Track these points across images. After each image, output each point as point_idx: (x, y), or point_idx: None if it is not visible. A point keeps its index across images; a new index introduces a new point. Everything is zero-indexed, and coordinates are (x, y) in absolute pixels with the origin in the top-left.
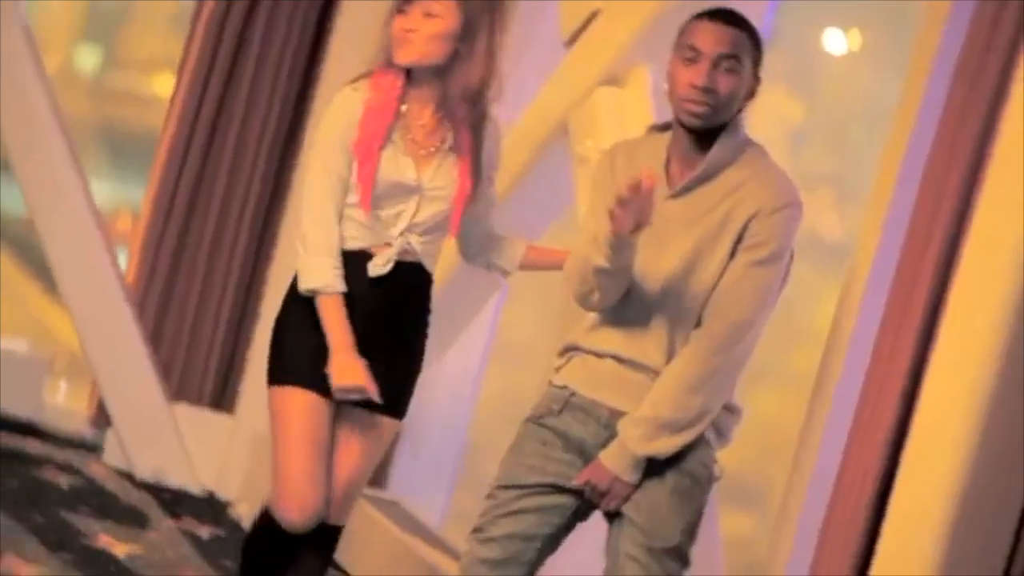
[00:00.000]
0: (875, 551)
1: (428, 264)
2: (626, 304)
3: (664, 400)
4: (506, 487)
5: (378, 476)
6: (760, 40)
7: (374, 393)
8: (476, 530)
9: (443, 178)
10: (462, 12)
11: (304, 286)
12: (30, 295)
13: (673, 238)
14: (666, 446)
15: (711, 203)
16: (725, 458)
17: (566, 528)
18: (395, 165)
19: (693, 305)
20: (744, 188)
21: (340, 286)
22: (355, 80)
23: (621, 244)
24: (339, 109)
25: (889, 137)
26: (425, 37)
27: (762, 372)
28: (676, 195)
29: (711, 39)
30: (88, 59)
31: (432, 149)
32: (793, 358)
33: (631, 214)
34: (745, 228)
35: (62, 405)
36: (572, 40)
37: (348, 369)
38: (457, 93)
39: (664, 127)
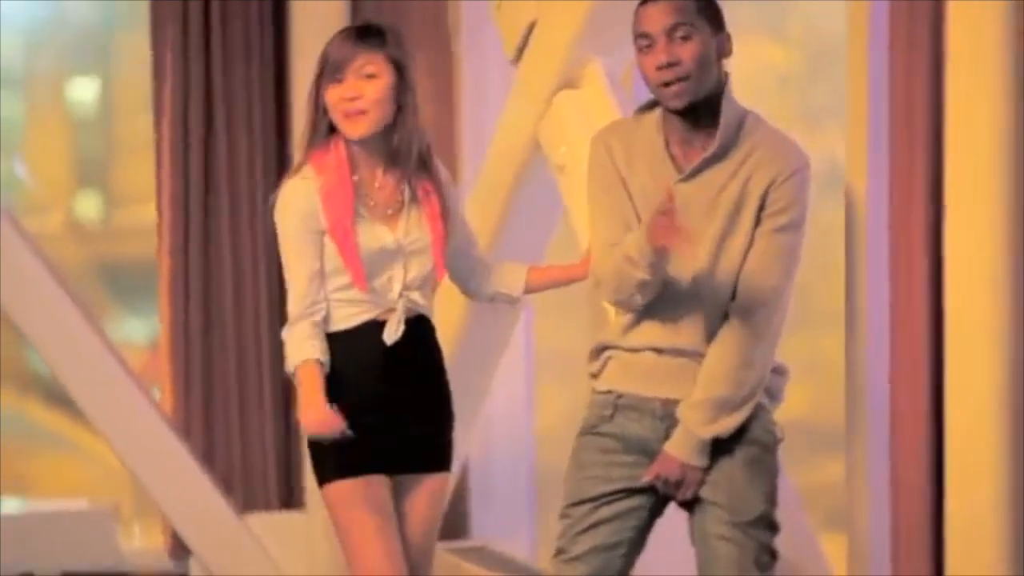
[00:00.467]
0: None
1: (428, 313)
2: (667, 303)
3: (717, 379)
4: (576, 504)
5: (458, 527)
6: None
7: (342, 428)
8: (558, 553)
9: (416, 231)
10: (394, 64)
11: (287, 370)
12: (76, 450)
13: (695, 223)
14: (729, 424)
15: (723, 180)
16: (802, 405)
17: (646, 529)
18: (371, 235)
19: (726, 284)
20: (753, 158)
21: (314, 354)
22: (296, 170)
23: (662, 256)
24: (293, 203)
25: (850, 56)
26: (373, 102)
27: (805, 316)
28: (687, 178)
29: (655, 18)
30: (89, 205)
31: (396, 207)
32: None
33: (672, 225)
34: (765, 197)
35: (139, 547)
36: (518, 56)
37: (318, 417)
38: (407, 147)
39: (650, 105)
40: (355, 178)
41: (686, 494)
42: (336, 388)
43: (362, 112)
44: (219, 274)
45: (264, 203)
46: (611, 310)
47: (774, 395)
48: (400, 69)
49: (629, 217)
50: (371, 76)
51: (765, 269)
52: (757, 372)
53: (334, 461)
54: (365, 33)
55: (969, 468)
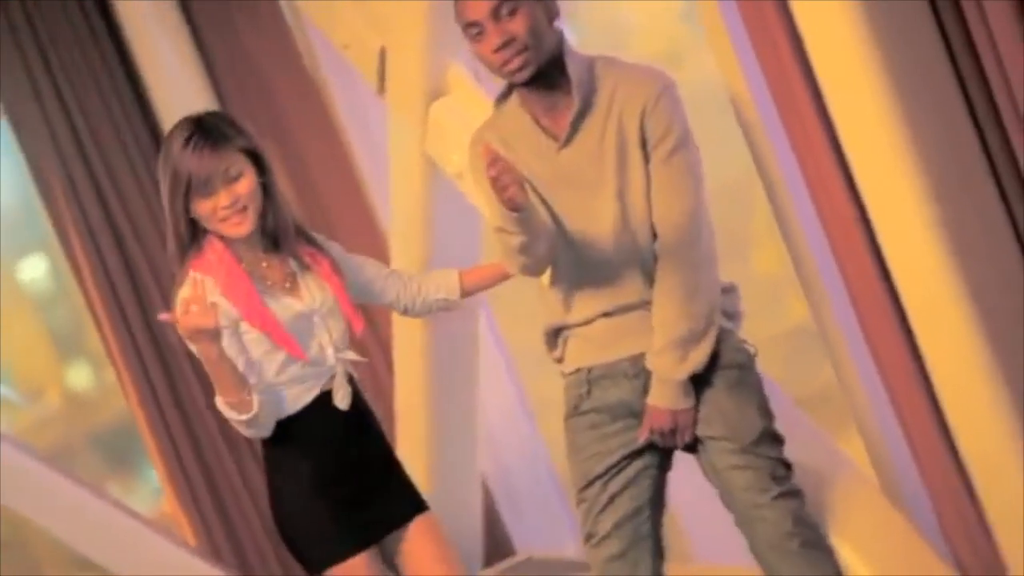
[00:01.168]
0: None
1: (356, 371)
2: (584, 264)
3: (671, 320)
4: (587, 485)
5: (502, 547)
6: None
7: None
8: (587, 538)
9: (319, 293)
10: (249, 154)
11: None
12: None
13: (591, 184)
14: (699, 357)
15: (599, 129)
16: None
17: (660, 486)
18: (282, 306)
19: (643, 227)
20: (617, 97)
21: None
22: (181, 281)
23: (519, 209)
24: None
25: None
26: (248, 198)
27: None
28: (566, 143)
29: (474, 6)
30: (79, 375)
31: (291, 279)
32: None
33: (512, 183)
34: (642, 129)
35: None
36: (381, 86)
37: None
38: (284, 225)
39: (507, 92)
40: (242, 266)
41: (685, 438)
42: (308, 468)
43: (243, 210)
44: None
45: None
46: (548, 293)
47: (732, 315)
48: (255, 157)
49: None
50: (238, 175)
51: (672, 198)
52: (706, 298)
53: (321, 551)
54: (209, 135)
55: (940, 338)
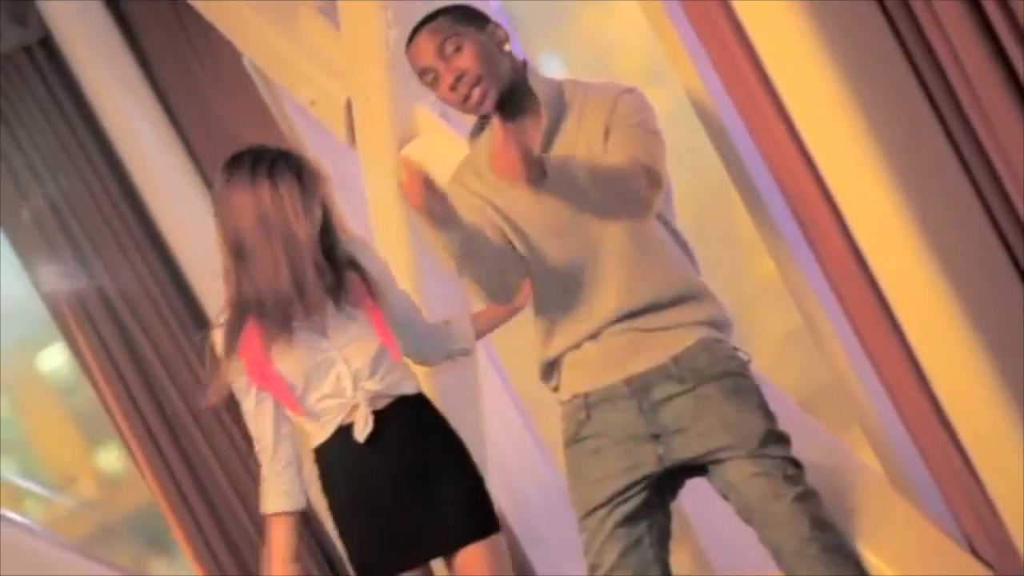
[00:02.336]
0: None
1: (407, 389)
2: (565, 287)
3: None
4: (589, 513)
5: None
6: (456, 6)
7: None
8: (592, 569)
9: (348, 322)
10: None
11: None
12: None
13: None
14: (566, 165)
15: (571, 145)
16: None
17: (665, 510)
18: (304, 346)
19: (638, 226)
20: (585, 110)
21: (282, 507)
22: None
23: (432, 212)
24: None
25: None
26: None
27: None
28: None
29: (422, 50)
30: (109, 458)
31: (320, 313)
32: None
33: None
34: (607, 133)
35: None
36: (352, 137)
37: None
38: (339, 266)
39: (479, 127)
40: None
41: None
42: (340, 498)
43: None
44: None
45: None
46: (536, 325)
47: (721, 325)
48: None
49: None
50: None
51: (632, 146)
52: (624, 188)
53: (365, 568)
54: (250, 166)
55: (926, 327)
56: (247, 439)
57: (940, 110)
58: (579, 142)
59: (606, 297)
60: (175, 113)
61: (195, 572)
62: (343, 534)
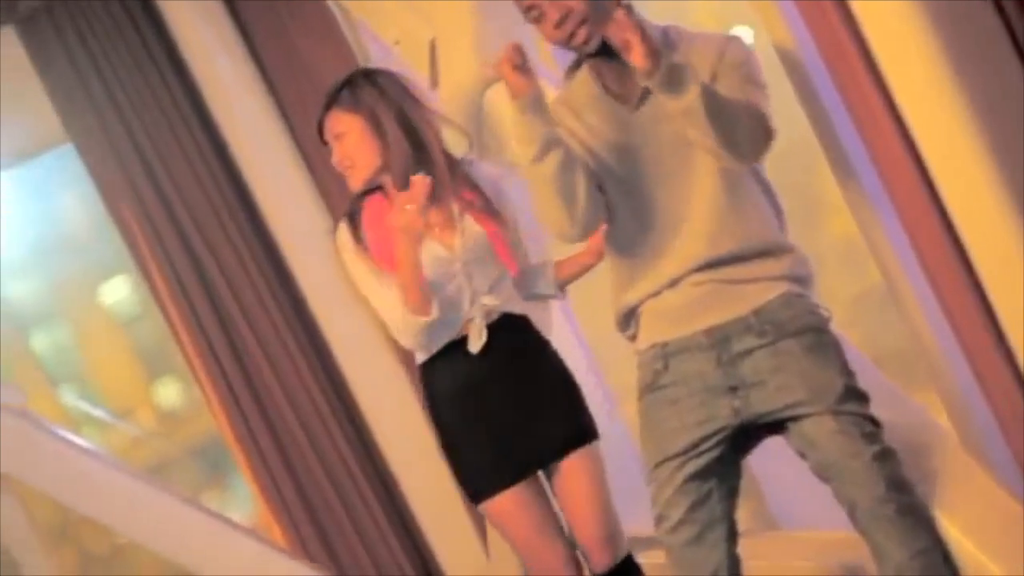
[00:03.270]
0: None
1: (512, 306)
2: (650, 229)
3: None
4: (661, 463)
5: None
6: None
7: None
8: (659, 520)
9: (472, 237)
10: (360, 114)
11: (413, 345)
12: None
13: (667, 142)
14: (697, 87)
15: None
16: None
17: (736, 467)
18: (426, 252)
19: (728, 172)
20: (691, 57)
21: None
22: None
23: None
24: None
25: None
26: (354, 156)
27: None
28: (639, 105)
29: None
30: (168, 392)
31: (448, 221)
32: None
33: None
34: (714, 78)
35: None
36: (435, 80)
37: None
38: (440, 167)
39: (576, 64)
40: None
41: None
42: (451, 409)
43: (349, 169)
44: (281, 415)
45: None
46: (614, 271)
47: (802, 279)
48: (370, 114)
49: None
50: (341, 134)
51: (745, 97)
52: (738, 125)
53: (480, 479)
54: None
55: (1008, 286)
56: (313, 372)
57: None
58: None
59: (692, 244)
60: (258, 50)
61: (257, 499)
62: (451, 449)
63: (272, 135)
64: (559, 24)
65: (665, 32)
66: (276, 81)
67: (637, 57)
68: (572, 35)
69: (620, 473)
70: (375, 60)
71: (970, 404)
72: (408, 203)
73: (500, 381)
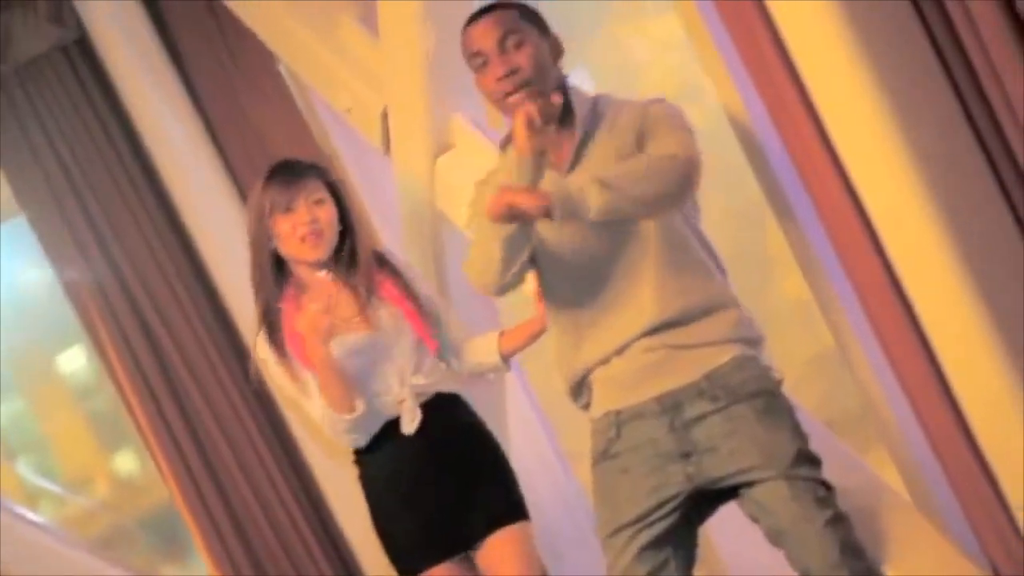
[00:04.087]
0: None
1: (444, 386)
2: (591, 298)
3: (629, 171)
4: (614, 533)
5: None
6: (527, 5)
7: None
8: None
9: (387, 319)
10: (329, 187)
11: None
12: None
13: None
14: (602, 203)
15: (603, 156)
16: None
17: (692, 534)
18: (341, 344)
19: (669, 234)
20: (617, 123)
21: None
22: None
23: (535, 163)
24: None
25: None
26: (326, 225)
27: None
28: (570, 170)
29: (484, 34)
30: (126, 461)
31: (359, 311)
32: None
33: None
34: (640, 140)
35: None
36: (387, 146)
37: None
38: (360, 255)
39: (509, 137)
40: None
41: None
42: (385, 491)
43: (320, 233)
44: (231, 476)
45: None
46: (560, 341)
47: (754, 342)
48: (334, 189)
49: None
50: (322, 200)
51: (667, 137)
52: (652, 188)
53: (405, 559)
54: (290, 168)
55: (958, 349)
56: (267, 441)
57: (980, 130)
58: (609, 151)
59: (636, 310)
60: (209, 116)
61: (210, 573)
62: (385, 534)
63: (223, 203)
64: (501, 78)
65: (594, 103)
66: (227, 148)
67: (529, 203)
68: (509, 93)
69: (579, 539)
70: (326, 127)
71: (922, 464)
72: (311, 303)
73: (432, 461)
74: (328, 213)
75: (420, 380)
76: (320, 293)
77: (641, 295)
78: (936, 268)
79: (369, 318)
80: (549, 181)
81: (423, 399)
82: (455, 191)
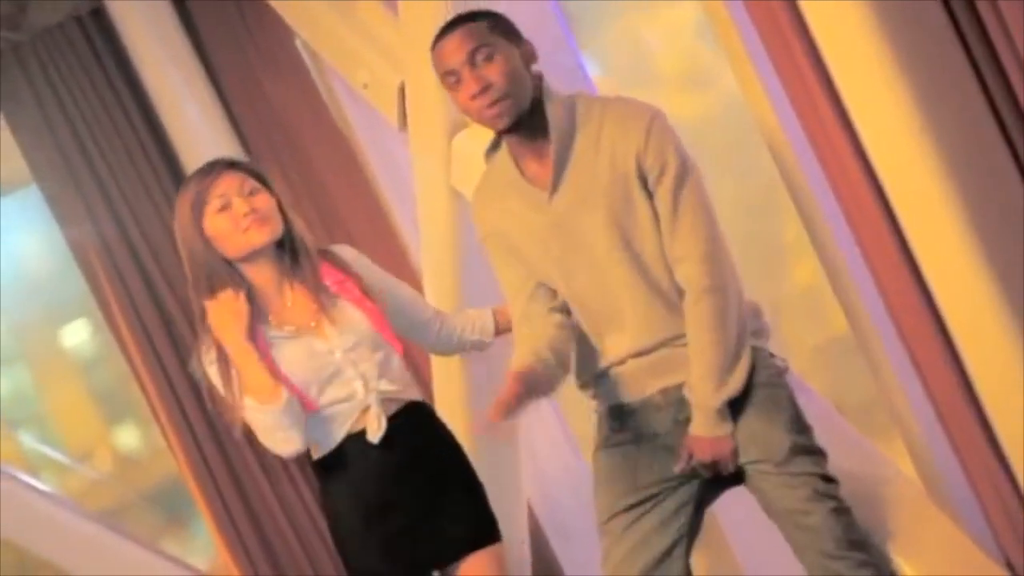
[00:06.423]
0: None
1: (411, 393)
2: (600, 314)
3: (706, 347)
4: (614, 516)
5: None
6: (496, 14)
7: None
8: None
9: (348, 322)
10: (263, 181)
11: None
12: None
13: (591, 229)
14: (736, 381)
15: (590, 172)
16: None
17: (695, 520)
18: (301, 349)
19: (657, 263)
20: (605, 135)
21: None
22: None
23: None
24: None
25: None
26: (267, 212)
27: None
28: (554, 190)
29: (452, 52)
30: (128, 437)
31: (316, 316)
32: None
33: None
34: (640, 170)
35: None
36: (403, 123)
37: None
38: (301, 246)
39: (496, 143)
40: (251, 306)
41: (728, 467)
42: (350, 504)
43: (264, 220)
44: (243, 462)
45: None
46: (579, 348)
47: (759, 333)
48: (265, 183)
49: (525, 276)
50: (256, 190)
51: (689, 235)
52: (736, 320)
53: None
54: (218, 162)
55: (977, 337)
56: None
57: (1005, 124)
58: (600, 171)
59: (658, 316)
60: (224, 90)
61: (217, 544)
62: (347, 549)
63: None
64: (475, 96)
65: (572, 107)
66: (243, 123)
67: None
68: (485, 109)
69: (588, 519)
70: (342, 103)
71: (935, 452)
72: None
73: (399, 476)
74: (266, 201)
75: (386, 386)
76: (274, 293)
77: (659, 315)
78: (956, 256)
79: (332, 319)
80: (535, 203)
81: (393, 408)
82: (470, 171)
